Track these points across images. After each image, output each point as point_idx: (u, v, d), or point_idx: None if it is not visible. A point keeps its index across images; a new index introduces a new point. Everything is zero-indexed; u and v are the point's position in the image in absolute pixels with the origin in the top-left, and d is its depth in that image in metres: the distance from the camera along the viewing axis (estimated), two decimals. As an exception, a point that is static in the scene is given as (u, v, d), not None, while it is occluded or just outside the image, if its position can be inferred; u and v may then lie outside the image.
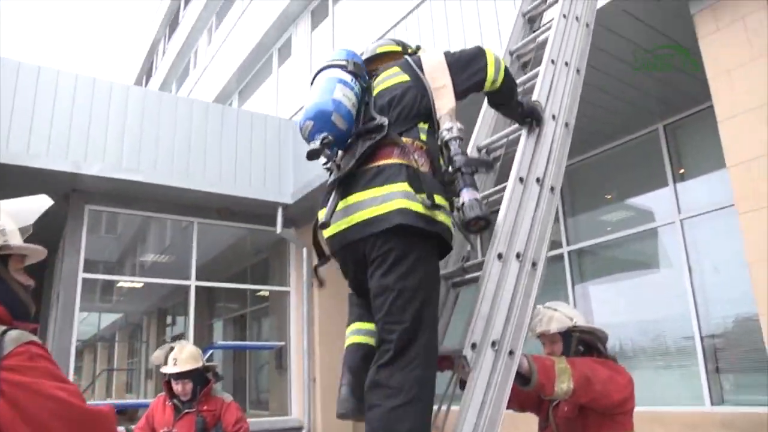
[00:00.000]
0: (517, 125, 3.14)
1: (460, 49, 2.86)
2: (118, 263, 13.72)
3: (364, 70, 2.84)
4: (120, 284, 14.58)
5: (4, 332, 1.76)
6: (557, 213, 8.86)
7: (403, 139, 2.54)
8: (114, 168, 9.47)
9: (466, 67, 2.75)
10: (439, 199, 2.42)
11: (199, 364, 4.91)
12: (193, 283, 10.91)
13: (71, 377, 9.30)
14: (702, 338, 7.26)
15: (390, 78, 2.78)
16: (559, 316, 3.35)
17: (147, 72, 28.22)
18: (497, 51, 3.23)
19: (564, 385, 2.84)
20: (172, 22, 24.05)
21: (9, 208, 2.03)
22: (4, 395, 1.61)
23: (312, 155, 2.44)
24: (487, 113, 3.52)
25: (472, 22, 7.68)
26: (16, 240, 1.98)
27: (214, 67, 17.92)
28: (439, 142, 2.61)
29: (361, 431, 2.49)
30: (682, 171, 7.90)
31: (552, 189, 2.94)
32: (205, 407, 4.87)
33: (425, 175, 2.46)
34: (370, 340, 2.60)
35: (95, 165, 9.28)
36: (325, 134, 2.46)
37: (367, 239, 2.41)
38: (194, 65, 21.02)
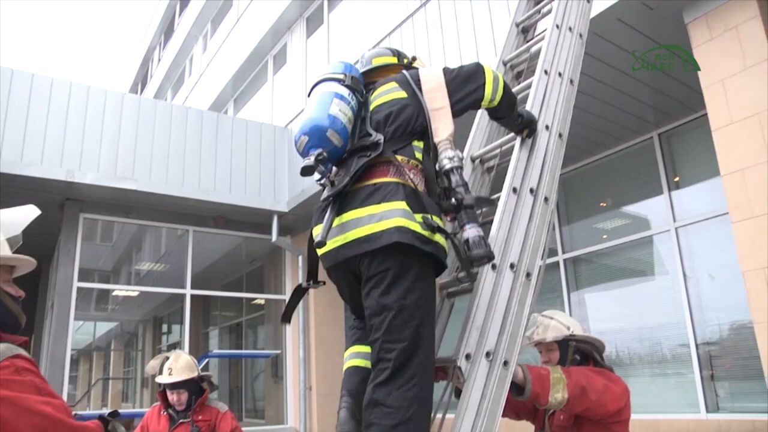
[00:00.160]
0: (511, 135, 3.14)
1: (458, 66, 2.84)
2: (114, 272, 13.71)
3: (362, 83, 2.82)
4: (115, 293, 14.54)
5: None
6: (552, 221, 8.91)
7: (398, 157, 2.52)
8: (109, 176, 9.46)
9: (464, 85, 2.73)
10: (435, 219, 2.41)
11: (195, 374, 4.90)
12: (188, 291, 10.89)
13: (66, 386, 9.28)
14: (697, 346, 7.27)
15: (387, 93, 2.75)
16: (556, 324, 3.35)
17: (142, 79, 28.20)
18: (492, 60, 3.24)
19: (559, 394, 2.84)
20: (167, 30, 24.05)
21: None
22: None
23: (306, 171, 2.41)
24: (482, 122, 3.52)
25: (467, 30, 7.70)
26: (4, 251, 1.96)
27: (209, 75, 17.91)
28: (437, 167, 2.61)
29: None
30: (676, 179, 7.92)
31: (546, 199, 2.94)
32: (200, 417, 4.85)
33: (421, 194, 2.45)
34: (369, 364, 2.55)
35: (90, 173, 9.27)
36: (319, 150, 2.43)
37: (362, 256, 2.39)
38: (189, 73, 21.01)
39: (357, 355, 2.69)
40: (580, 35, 3.65)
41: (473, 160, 3.39)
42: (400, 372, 2.27)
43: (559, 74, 3.33)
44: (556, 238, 9.11)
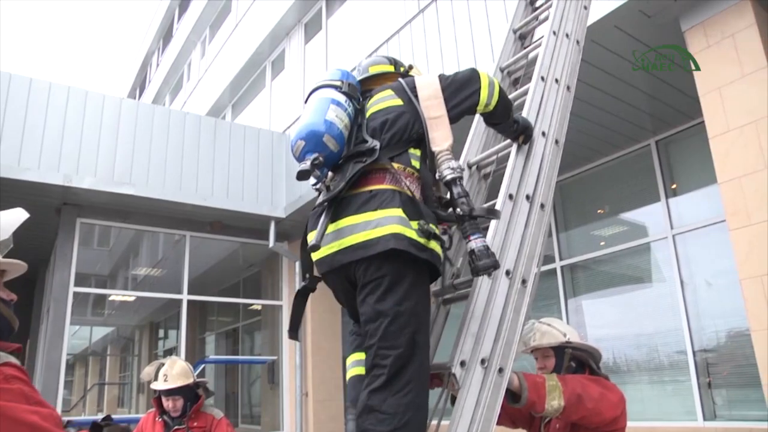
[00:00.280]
0: (508, 141, 3.14)
1: (454, 72, 2.84)
2: (111, 276, 13.69)
3: (359, 90, 2.83)
4: (112, 298, 14.52)
5: None
6: (550, 227, 8.92)
7: (395, 164, 2.54)
8: (106, 181, 9.45)
9: (460, 91, 2.74)
10: (431, 227, 2.41)
11: (190, 381, 4.87)
12: (185, 297, 10.87)
13: (61, 391, 9.25)
14: (694, 353, 7.27)
15: (383, 101, 2.76)
16: (553, 331, 3.34)
17: (140, 84, 28.20)
18: (489, 66, 3.23)
19: (555, 402, 2.83)
20: (166, 35, 24.07)
21: None
22: None
23: (302, 176, 2.42)
24: (478, 128, 3.51)
25: (464, 36, 7.71)
26: None
27: (207, 80, 17.92)
28: (436, 176, 2.63)
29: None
30: (674, 186, 7.93)
31: (542, 206, 2.93)
32: (195, 424, 4.83)
33: (417, 202, 2.47)
34: None
35: (87, 178, 9.26)
36: (315, 155, 2.45)
37: (358, 263, 2.39)
38: (188, 78, 21.03)
39: (358, 363, 2.68)
40: (577, 42, 3.65)
41: (470, 167, 3.39)
42: (396, 378, 2.27)
43: (556, 81, 3.33)
44: (553, 245, 9.11)
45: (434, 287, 2.89)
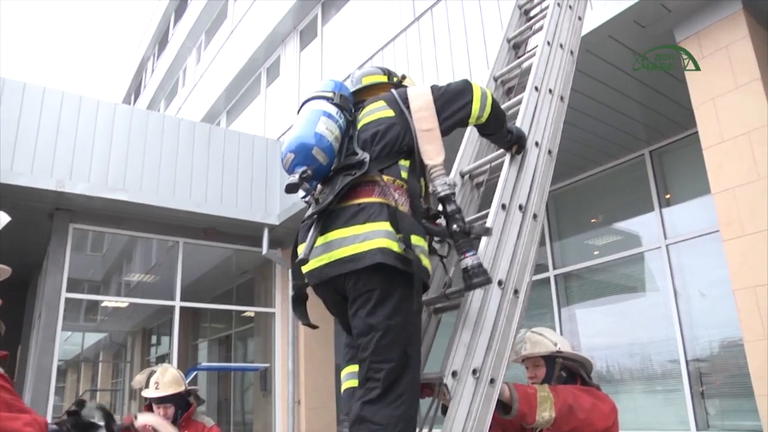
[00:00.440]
0: (501, 150, 3.13)
1: (447, 83, 2.84)
2: (104, 282, 13.64)
3: (351, 102, 2.83)
4: (104, 304, 14.47)
5: None
6: (543, 237, 8.93)
7: (384, 177, 2.54)
8: (99, 187, 9.41)
9: (452, 103, 2.74)
10: (416, 240, 2.42)
11: (182, 388, 4.84)
12: (177, 303, 10.83)
13: (52, 397, 9.20)
14: (687, 362, 7.27)
15: (374, 112, 2.76)
16: (544, 340, 3.33)
17: (135, 90, 28.19)
18: (483, 75, 3.23)
19: (546, 413, 2.82)
20: (161, 40, 24.07)
21: None
22: None
23: (290, 189, 2.44)
24: (471, 137, 3.51)
25: (459, 44, 7.72)
26: None
27: (202, 86, 17.92)
28: (430, 190, 2.65)
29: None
30: (668, 196, 7.94)
31: (535, 216, 2.93)
32: (186, 431, 4.80)
33: (405, 215, 2.47)
34: None
35: (80, 183, 9.22)
36: (304, 168, 2.46)
37: (347, 276, 2.40)
38: (183, 84, 21.02)
39: (353, 376, 2.68)
40: (571, 52, 3.66)
41: (462, 176, 3.39)
42: (390, 391, 2.29)
43: (550, 91, 3.33)
44: (546, 254, 9.11)
45: (426, 296, 2.89)
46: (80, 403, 2.32)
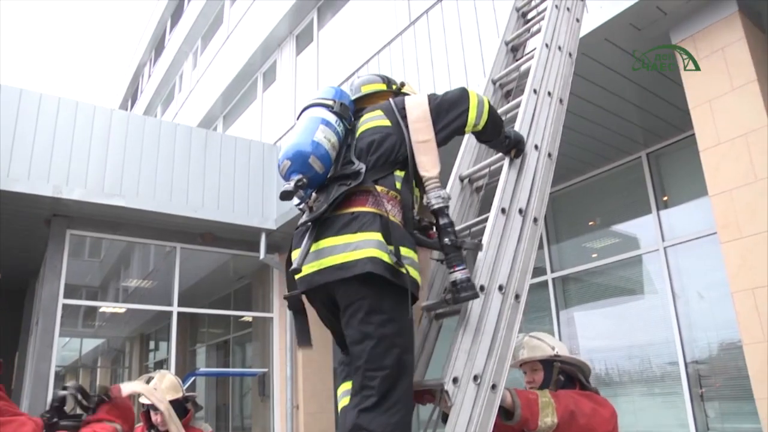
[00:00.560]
0: (500, 155, 3.12)
1: (444, 92, 2.84)
2: (101, 288, 13.60)
3: (351, 110, 2.84)
4: (102, 309, 14.44)
5: None
6: (541, 240, 8.93)
7: (378, 187, 2.55)
8: (96, 193, 9.40)
9: (448, 113, 2.74)
10: (405, 251, 2.43)
11: (179, 395, 4.82)
12: (175, 309, 10.81)
13: (49, 404, 9.15)
14: (686, 365, 7.27)
15: (371, 120, 2.78)
16: (542, 345, 3.33)
17: (132, 95, 28.18)
18: (480, 78, 3.23)
19: (548, 419, 2.81)
20: (158, 46, 24.07)
21: None
22: None
23: (285, 196, 2.45)
24: (470, 142, 3.49)
25: (456, 48, 7.71)
26: None
27: (199, 91, 17.91)
28: (424, 202, 2.66)
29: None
30: (665, 198, 7.95)
31: (535, 220, 2.92)
32: (183, 438, 4.78)
33: (396, 225, 2.49)
34: None
35: (77, 189, 9.21)
36: (299, 176, 2.47)
37: (337, 285, 2.42)
38: (179, 89, 21.01)
39: (349, 393, 2.66)
40: (570, 54, 3.65)
41: (462, 180, 3.37)
42: (385, 399, 2.29)
43: (549, 94, 3.32)
44: (544, 257, 9.11)
45: (426, 302, 2.89)
46: (62, 400, 2.33)
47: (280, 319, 11.65)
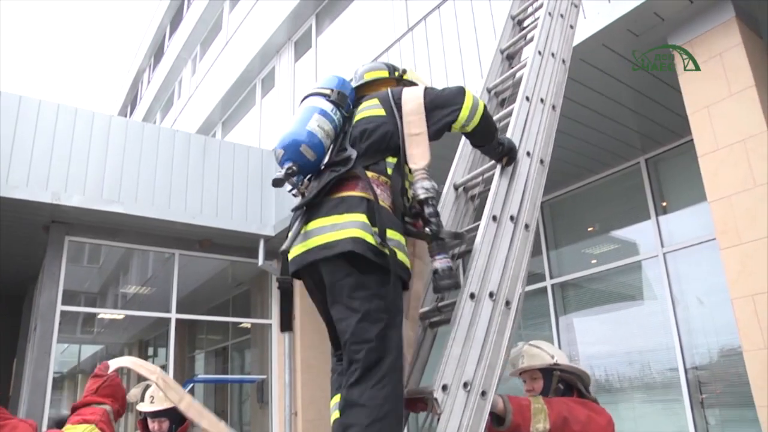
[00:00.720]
0: (493, 162, 3.12)
1: (442, 87, 2.88)
2: (100, 294, 13.60)
3: (350, 98, 2.93)
4: (101, 316, 14.43)
5: None
6: (540, 246, 8.92)
7: (369, 173, 2.63)
8: (95, 199, 9.39)
9: (442, 108, 2.77)
10: (391, 233, 2.49)
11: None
12: (173, 315, 10.79)
13: (47, 410, 9.15)
14: (686, 371, 7.24)
15: (368, 109, 2.85)
16: (541, 353, 3.33)
17: (132, 101, 28.24)
18: (477, 85, 3.22)
19: (540, 425, 2.80)
20: (157, 52, 24.12)
21: None
22: None
23: (276, 183, 2.58)
24: (464, 150, 3.49)
25: (453, 54, 7.71)
26: None
27: (198, 98, 17.94)
28: (411, 193, 2.68)
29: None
30: (664, 204, 7.93)
31: (527, 226, 2.90)
32: (180, 446, 4.76)
33: (383, 209, 2.54)
34: None
35: (75, 196, 9.20)
36: (290, 165, 2.59)
37: (323, 264, 2.49)
38: (179, 95, 21.05)
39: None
40: (563, 61, 3.64)
41: (456, 188, 3.37)
42: (370, 372, 2.32)
43: (541, 100, 3.31)
44: (543, 264, 9.09)
45: (422, 309, 2.90)
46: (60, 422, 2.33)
47: (278, 325, 11.62)
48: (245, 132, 15.06)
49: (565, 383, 3.28)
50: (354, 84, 3.12)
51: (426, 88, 2.85)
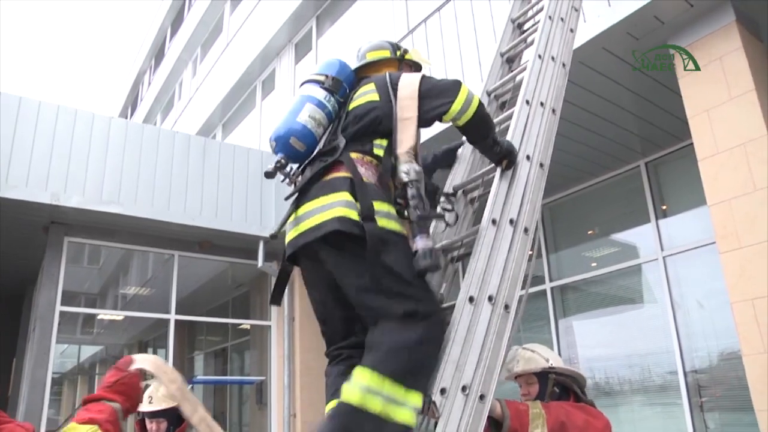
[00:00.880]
0: (492, 165, 3.11)
1: (440, 78, 2.89)
2: (100, 295, 13.60)
3: (346, 82, 2.96)
4: (100, 316, 14.43)
5: None
6: (540, 249, 8.91)
7: (353, 154, 2.67)
8: (94, 200, 9.38)
9: (436, 98, 2.77)
10: (379, 205, 2.49)
11: (175, 403, 4.79)
12: (172, 316, 10.77)
13: (46, 410, 9.15)
14: (686, 374, 7.24)
15: (363, 95, 2.87)
16: (536, 357, 3.31)
17: (132, 103, 28.25)
18: (477, 88, 3.21)
19: (538, 430, 2.79)
20: (157, 54, 24.13)
21: None
22: None
23: (267, 175, 2.64)
24: (464, 153, 3.49)
25: (453, 56, 7.72)
26: None
27: (198, 100, 17.95)
28: (397, 181, 2.69)
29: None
30: (664, 208, 7.93)
31: (526, 230, 2.89)
32: (177, 447, 4.75)
33: (367, 185, 2.56)
34: None
35: (75, 197, 9.19)
36: (279, 157, 2.66)
37: (318, 245, 2.51)
38: (179, 97, 21.05)
39: None
40: (563, 64, 3.63)
41: (455, 191, 3.36)
42: (406, 321, 2.33)
43: (541, 104, 3.30)
44: (543, 267, 9.09)
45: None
46: None
47: (278, 327, 11.61)
48: (245, 134, 15.06)
49: (560, 386, 3.27)
50: (357, 63, 3.18)
51: (423, 76, 2.85)
